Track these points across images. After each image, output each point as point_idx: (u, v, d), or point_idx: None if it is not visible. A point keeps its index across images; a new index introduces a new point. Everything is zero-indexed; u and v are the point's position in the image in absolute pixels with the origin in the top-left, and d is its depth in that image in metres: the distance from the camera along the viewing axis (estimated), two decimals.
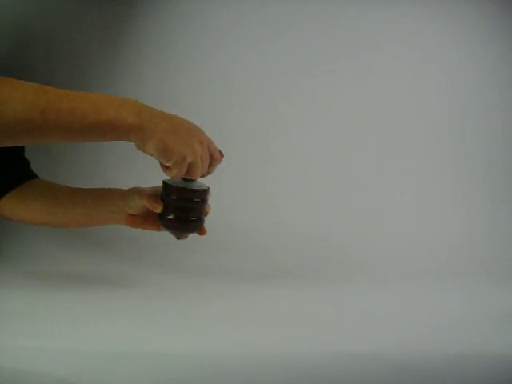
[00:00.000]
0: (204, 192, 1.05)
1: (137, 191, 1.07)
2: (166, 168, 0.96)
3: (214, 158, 1.00)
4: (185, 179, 1.03)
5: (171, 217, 1.04)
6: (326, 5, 1.37)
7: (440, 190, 1.39)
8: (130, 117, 0.87)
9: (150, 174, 1.06)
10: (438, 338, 0.97)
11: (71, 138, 0.91)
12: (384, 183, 1.39)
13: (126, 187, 1.11)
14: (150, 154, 0.92)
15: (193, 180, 1.03)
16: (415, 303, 1.10)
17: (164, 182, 1.05)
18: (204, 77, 1.40)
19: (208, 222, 1.10)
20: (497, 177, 1.38)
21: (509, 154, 1.39)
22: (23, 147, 1.21)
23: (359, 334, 0.98)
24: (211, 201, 1.07)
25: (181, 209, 1.04)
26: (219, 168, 1.15)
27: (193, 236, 1.07)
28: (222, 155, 1.02)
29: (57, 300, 1.09)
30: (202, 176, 1.01)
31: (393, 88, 1.39)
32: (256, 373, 0.87)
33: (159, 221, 1.06)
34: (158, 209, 1.04)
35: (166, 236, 1.07)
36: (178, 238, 1.08)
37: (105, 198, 1.10)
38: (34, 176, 1.19)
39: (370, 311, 1.07)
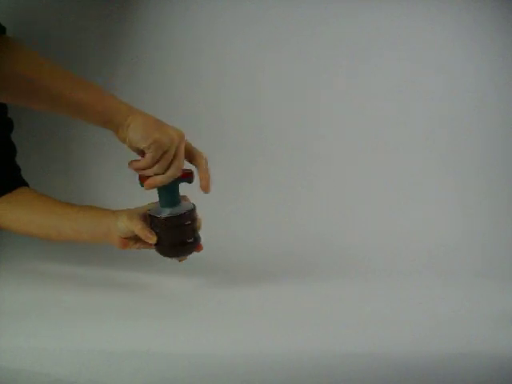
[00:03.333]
0: (191, 212, 1.05)
1: (127, 216, 1.06)
2: (139, 153, 1.00)
3: (193, 153, 1.04)
4: (169, 205, 1.04)
5: (167, 244, 1.05)
6: (326, 5, 1.37)
7: (438, 191, 1.39)
8: (122, 103, 0.98)
9: (141, 192, 1.07)
10: (436, 337, 0.96)
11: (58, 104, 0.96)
12: (383, 183, 1.39)
13: (118, 204, 1.11)
14: (126, 140, 0.98)
15: (176, 205, 1.04)
16: (413, 303, 1.10)
17: (150, 215, 1.04)
18: (204, 77, 1.41)
19: (207, 221, 1.10)
20: (495, 177, 1.38)
21: (508, 155, 1.38)
22: (15, 153, 1.20)
23: (358, 333, 0.98)
24: (210, 202, 1.08)
25: (174, 236, 1.04)
26: (219, 168, 1.16)
27: None
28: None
29: (56, 300, 1.09)
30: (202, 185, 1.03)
31: (392, 89, 1.39)
32: (255, 372, 0.87)
33: (156, 249, 1.06)
34: (153, 240, 1.04)
35: None
36: (179, 261, 1.08)
37: (95, 218, 1.09)
38: (24, 184, 1.19)
39: (369, 311, 1.07)
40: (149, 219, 1.05)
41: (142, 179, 1.02)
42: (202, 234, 1.09)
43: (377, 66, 1.38)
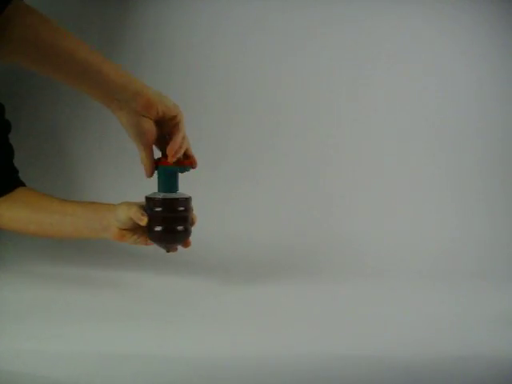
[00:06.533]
0: (186, 200, 1.07)
1: (126, 204, 1.08)
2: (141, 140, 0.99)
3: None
4: (167, 191, 1.06)
5: (159, 229, 1.06)
6: (326, 6, 1.37)
7: (437, 192, 1.39)
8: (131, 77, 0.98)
9: (142, 188, 1.08)
10: (435, 339, 0.96)
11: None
12: (382, 185, 1.39)
13: (116, 200, 1.11)
14: (153, 110, 0.97)
15: (174, 192, 1.06)
16: (412, 305, 1.10)
17: (146, 197, 1.06)
18: (204, 78, 1.40)
19: (205, 222, 1.10)
20: (494, 179, 1.38)
21: (507, 157, 1.38)
22: (12, 154, 1.20)
23: (357, 335, 0.98)
24: (207, 203, 1.08)
25: (167, 219, 1.06)
26: (217, 167, 1.16)
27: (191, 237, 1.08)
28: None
29: (55, 302, 1.09)
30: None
31: (392, 90, 1.39)
32: (256, 375, 0.87)
33: (147, 234, 1.07)
34: (144, 221, 1.05)
35: None
36: (167, 251, 1.09)
37: (96, 212, 1.10)
38: (22, 185, 1.19)
39: (368, 313, 1.07)
40: (145, 203, 1.07)
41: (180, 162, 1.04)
42: (201, 233, 1.09)
43: (378, 68, 1.39)
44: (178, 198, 1.06)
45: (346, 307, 1.10)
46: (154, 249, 1.10)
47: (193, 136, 1.06)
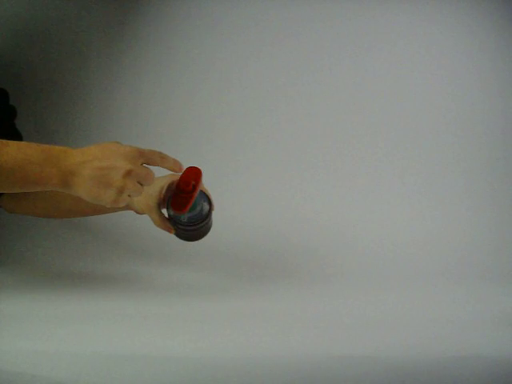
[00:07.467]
0: (207, 215, 1.07)
1: (145, 205, 1.08)
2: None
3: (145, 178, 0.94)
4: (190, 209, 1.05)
5: (182, 235, 1.09)
6: (326, 4, 1.37)
7: (441, 192, 1.39)
8: (55, 176, 0.90)
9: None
10: (437, 340, 0.96)
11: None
12: (384, 184, 1.39)
13: None
14: None
15: (196, 208, 1.05)
16: (414, 305, 1.10)
17: (169, 215, 1.07)
18: (203, 77, 1.40)
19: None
20: (498, 179, 1.38)
21: (511, 156, 1.38)
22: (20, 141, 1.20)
23: (358, 336, 0.98)
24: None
25: (189, 232, 1.08)
26: (220, 171, 1.16)
27: None
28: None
29: (55, 302, 1.10)
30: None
31: (393, 88, 1.39)
32: (255, 375, 0.87)
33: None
34: (171, 232, 1.08)
35: (166, 238, 1.07)
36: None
37: None
38: None
39: (369, 313, 1.07)
40: (168, 214, 1.07)
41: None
42: None
43: (379, 66, 1.38)
44: (201, 220, 1.06)
45: (346, 307, 1.09)
46: (156, 250, 1.10)
47: (197, 134, 1.06)
